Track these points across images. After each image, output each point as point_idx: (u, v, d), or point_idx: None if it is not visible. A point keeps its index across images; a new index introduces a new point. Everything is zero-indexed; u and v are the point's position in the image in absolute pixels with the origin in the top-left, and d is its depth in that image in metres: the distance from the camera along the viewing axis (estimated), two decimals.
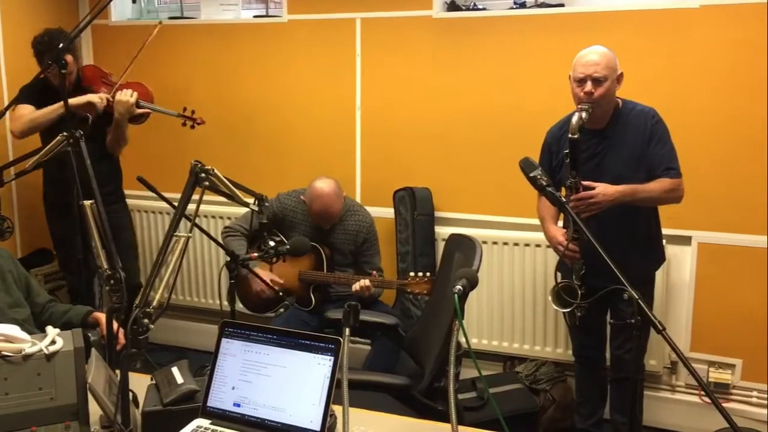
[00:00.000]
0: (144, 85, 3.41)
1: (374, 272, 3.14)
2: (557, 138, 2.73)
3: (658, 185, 2.55)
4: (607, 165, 2.60)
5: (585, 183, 2.49)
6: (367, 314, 2.77)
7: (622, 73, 2.58)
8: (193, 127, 3.35)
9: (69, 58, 3.22)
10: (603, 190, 2.48)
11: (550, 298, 2.59)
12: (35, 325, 2.44)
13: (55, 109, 3.14)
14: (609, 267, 1.76)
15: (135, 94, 3.28)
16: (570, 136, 2.43)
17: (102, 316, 2.45)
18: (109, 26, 4.05)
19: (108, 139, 3.42)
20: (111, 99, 3.25)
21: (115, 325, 2.39)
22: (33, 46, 3.22)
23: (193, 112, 3.35)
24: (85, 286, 3.16)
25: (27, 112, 3.20)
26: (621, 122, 2.61)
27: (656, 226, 2.78)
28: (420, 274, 2.95)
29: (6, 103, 3.48)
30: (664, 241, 2.88)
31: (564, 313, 2.62)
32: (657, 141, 2.57)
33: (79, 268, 2.87)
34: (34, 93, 3.13)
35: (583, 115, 2.45)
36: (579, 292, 2.52)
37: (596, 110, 2.51)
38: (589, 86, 2.50)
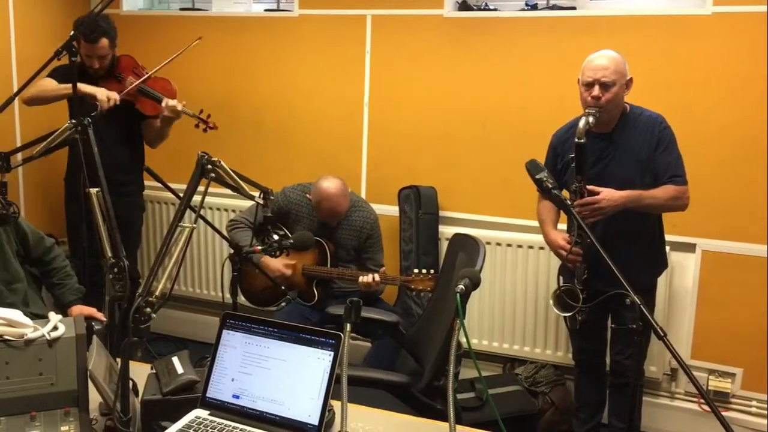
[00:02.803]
0: (170, 81, 3.43)
1: (383, 269, 3.13)
2: (563, 141, 2.72)
3: (663, 192, 2.54)
4: (613, 169, 2.59)
5: (590, 188, 2.48)
6: (368, 311, 2.77)
7: (631, 79, 2.56)
8: (205, 130, 3.38)
9: (104, 42, 3.24)
10: (608, 195, 2.48)
11: (551, 301, 2.58)
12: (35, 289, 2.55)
13: (65, 87, 3.14)
14: (611, 271, 1.76)
15: (183, 103, 3.32)
16: (576, 140, 2.42)
17: (80, 310, 2.49)
18: (120, 15, 4.05)
19: (149, 134, 3.49)
20: (118, 101, 3.24)
21: (92, 310, 2.47)
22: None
23: (209, 116, 3.37)
24: (90, 273, 3.17)
25: (44, 82, 3.21)
26: (628, 127, 2.60)
27: (660, 233, 2.77)
28: (423, 271, 2.95)
29: (15, 89, 3.49)
30: (668, 248, 2.88)
31: (565, 317, 2.62)
32: (664, 148, 2.56)
33: (84, 256, 2.88)
34: (67, 73, 3.13)
35: (590, 119, 2.44)
36: (581, 296, 2.51)
37: (603, 114, 2.50)
38: (596, 90, 2.49)
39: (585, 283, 2.56)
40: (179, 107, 3.30)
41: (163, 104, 3.30)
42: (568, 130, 2.72)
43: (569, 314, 2.55)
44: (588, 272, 2.55)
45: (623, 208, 2.50)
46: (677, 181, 2.55)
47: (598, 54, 2.56)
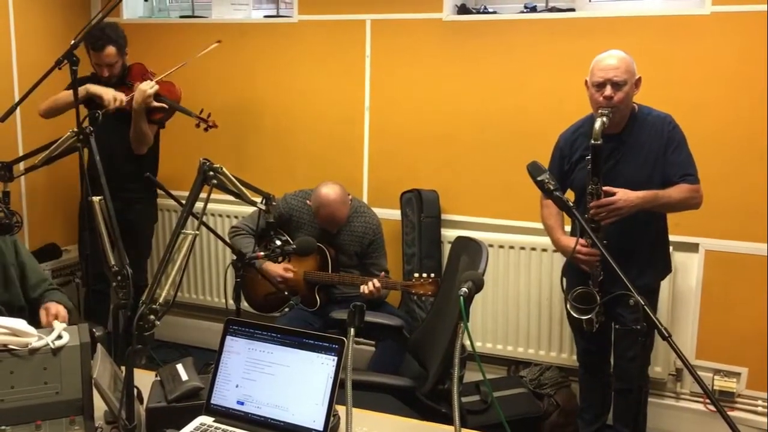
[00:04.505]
0: (174, 84, 3.43)
1: (382, 273, 3.13)
2: (570, 142, 2.71)
3: (678, 191, 2.53)
4: (622, 169, 2.58)
5: (606, 189, 2.47)
6: (371, 315, 2.77)
7: (640, 78, 2.55)
8: (206, 129, 3.37)
9: (110, 50, 3.25)
10: (624, 196, 2.46)
11: (568, 307, 2.56)
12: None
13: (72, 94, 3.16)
14: (615, 273, 1.76)
15: (155, 86, 3.31)
16: (593, 142, 2.40)
17: (48, 307, 2.38)
18: (120, 24, 4.06)
19: (130, 133, 3.44)
20: (124, 101, 3.26)
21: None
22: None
23: (209, 115, 3.37)
24: (94, 282, 3.17)
25: (59, 94, 3.24)
26: (637, 127, 2.59)
27: (664, 235, 2.76)
28: (425, 275, 2.94)
29: (18, 97, 3.50)
30: (670, 248, 2.86)
31: (583, 320, 2.59)
32: (675, 147, 2.55)
33: (86, 264, 2.88)
34: (83, 83, 3.15)
35: (605, 120, 2.42)
36: (598, 298, 2.50)
37: (614, 115, 2.48)
38: (608, 90, 2.47)
39: (601, 284, 2.55)
40: (150, 90, 3.27)
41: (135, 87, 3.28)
42: (576, 130, 2.71)
43: (587, 317, 2.54)
44: (604, 274, 2.53)
45: (639, 209, 2.49)
46: (690, 179, 2.54)
47: (607, 54, 2.54)
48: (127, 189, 3.35)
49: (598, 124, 2.41)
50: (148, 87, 3.29)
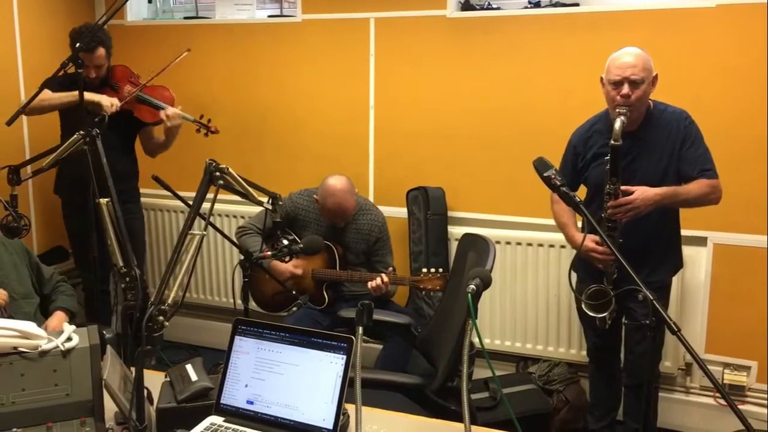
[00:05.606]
0: (167, 89, 3.44)
1: (390, 269, 3.13)
2: (585, 139, 2.69)
3: (696, 187, 2.50)
4: (637, 166, 2.55)
5: (624, 188, 2.45)
6: (380, 314, 2.77)
7: (656, 75, 2.51)
8: (206, 135, 3.39)
9: (101, 51, 3.25)
10: (642, 195, 2.44)
11: (582, 306, 2.55)
12: (42, 313, 2.59)
13: (66, 95, 3.15)
14: (625, 269, 1.75)
15: (180, 107, 3.35)
16: (612, 142, 2.38)
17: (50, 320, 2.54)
18: (125, 26, 4.07)
19: (149, 144, 3.51)
20: (119, 107, 3.26)
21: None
22: (69, 36, 3.25)
23: (209, 120, 3.38)
24: (101, 284, 3.18)
25: (42, 92, 3.23)
26: (653, 124, 2.56)
27: (677, 232, 2.74)
28: (432, 269, 2.94)
29: (23, 100, 3.52)
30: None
31: (598, 318, 2.58)
32: (691, 143, 2.53)
33: (94, 267, 2.89)
34: (65, 82, 3.15)
35: (623, 119, 2.40)
36: (612, 295, 2.49)
37: (631, 113, 2.45)
38: (626, 89, 2.44)
39: (615, 282, 2.54)
40: (180, 114, 3.32)
41: (163, 114, 3.31)
42: (590, 128, 2.69)
43: (600, 316, 2.53)
44: (618, 271, 2.52)
45: (658, 206, 2.47)
46: (708, 174, 2.51)
47: (624, 51, 2.50)
48: (119, 189, 3.35)
49: (618, 125, 2.38)
50: (178, 112, 3.34)
